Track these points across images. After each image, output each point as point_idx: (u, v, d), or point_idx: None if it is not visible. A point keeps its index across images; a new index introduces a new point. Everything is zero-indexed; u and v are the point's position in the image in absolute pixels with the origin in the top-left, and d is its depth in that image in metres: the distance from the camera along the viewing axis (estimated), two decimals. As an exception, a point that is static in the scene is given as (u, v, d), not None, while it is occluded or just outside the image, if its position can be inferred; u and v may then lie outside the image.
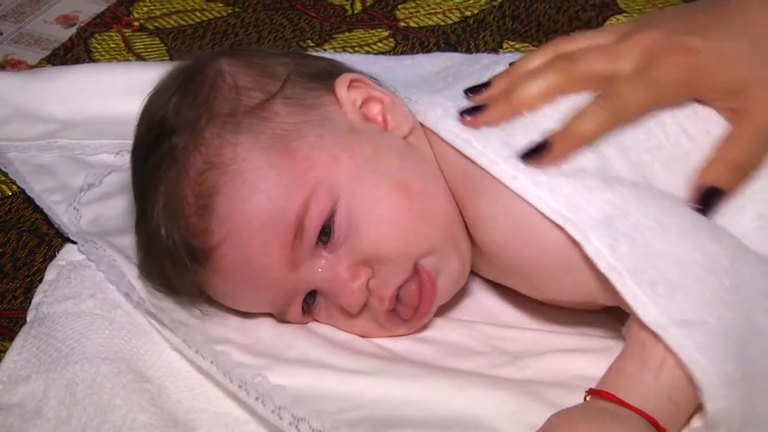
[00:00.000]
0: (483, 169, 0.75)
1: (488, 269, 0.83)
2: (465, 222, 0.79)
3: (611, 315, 0.80)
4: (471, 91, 0.80)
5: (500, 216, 0.75)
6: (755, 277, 0.71)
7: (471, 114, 0.78)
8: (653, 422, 0.68)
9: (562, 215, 0.72)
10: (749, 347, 0.68)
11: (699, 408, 0.69)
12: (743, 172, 0.75)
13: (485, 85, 0.80)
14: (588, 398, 0.71)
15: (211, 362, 0.76)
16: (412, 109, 0.82)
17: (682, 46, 0.75)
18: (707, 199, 0.74)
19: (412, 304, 0.79)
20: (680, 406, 0.69)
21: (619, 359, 0.72)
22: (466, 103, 0.79)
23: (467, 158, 0.76)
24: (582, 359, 0.76)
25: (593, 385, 0.71)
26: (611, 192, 0.72)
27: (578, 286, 0.74)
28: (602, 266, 0.70)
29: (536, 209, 0.72)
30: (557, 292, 0.77)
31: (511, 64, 0.82)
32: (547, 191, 0.73)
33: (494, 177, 0.74)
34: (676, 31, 0.76)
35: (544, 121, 0.76)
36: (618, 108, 0.75)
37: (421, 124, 0.82)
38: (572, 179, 0.73)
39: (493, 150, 0.75)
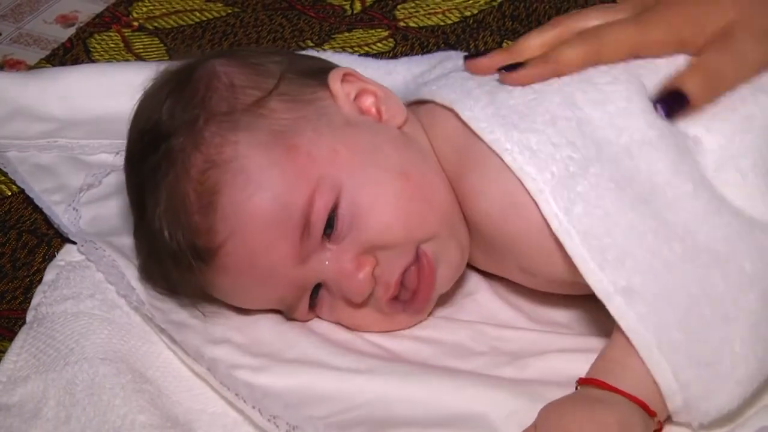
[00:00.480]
0: (475, 134, 0.76)
1: (479, 254, 0.83)
2: (459, 201, 0.80)
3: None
4: (468, 57, 0.82)
5: (490, 186, 0.76)
6: (716, 241, 0.71)
7: (509, 69, 0.78)
8: (643, 405, 0.68)
9: (524, 170, 0.73)
10: (701, 308, 0.69)
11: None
12: (716, 86, 0.75)
13: (483, 53, 0.82)
14: (578, 388, 0.71)
15: (208, 369, 0.77)
16: (413, 95, 0.84)
17: None
18: (672, 102, 0.75)
19: (411, 287, 0.79)
20: None
21: (606, 347, 0.72)
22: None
23: (464, 129, 0.77)
24: (582, 359, 0.76)
25: (593, 385, 0.71)
26: (574, 149, 0.73)
27: (552, 266, 0.75)
28: (555, 226, 0.71)
29: (523, 185, 0.73)
30: (540, 268, 0.77)
31: None
32: (516, 144, 0.74)
33: (485, 143, 0.75)
34: None
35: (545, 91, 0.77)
36: (601, 43, 0.76)
37: (417, 106, 0.83)
38: (540, 133, 0.74)
39: (484, 113, 0.76)
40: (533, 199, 0.73)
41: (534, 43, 0.80)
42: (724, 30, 0.76)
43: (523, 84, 0.78)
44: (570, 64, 0.77)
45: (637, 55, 0.77)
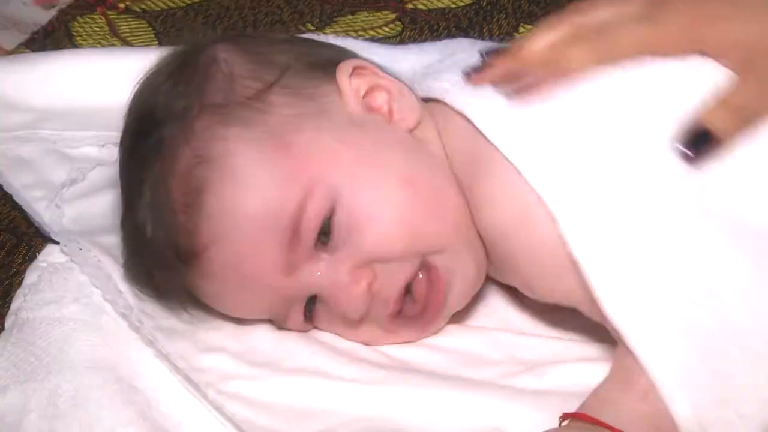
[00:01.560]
0: (493, 146, 0.75)
1: (488, 265, 0.82)
2: (470, 211, 0.79)
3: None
4: (466, 73, 0.79)
5: (504, 199, 0.75)
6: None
7: (475, 71, 0.77)
8: None
9: (560, 208, 0.72)
10: (725, 348, 0.68)
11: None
12: (745, 120, 0.73)
13: (482, 67, 0.79)
14: (566, 423, 0.70)
15: (197, 390, 0.77)
16: (425, 88, 0.83)
17: None
18: (699, 143, 0.72)
19: (421, 298, 0.79)
20: None
21: (603, 382, 0.72)
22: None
23: (478, 136, 0.76)
24: (602, 369, 0.76)
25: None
26: (612, 197, 0.72)
27: (564, 290, 0.74)
28: (590, 277, 0.70)
29: (540, 198, 0.72)
30: (546, 290, 0.77)
31: None
32: (553, 182, 0.72)
33: (504, 157, 0.74)
34: None
35: (566, 99, 0.76)
36: (609, 43, 0.75)
37: (431, 103, 0.82)
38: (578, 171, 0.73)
39: (507, 128, 0.75)
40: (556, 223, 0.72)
41: (539, 46, 0.77)
42: (747, 44, 0.74)
43: (491, 81, 0.77)
44: (534, 56, 0.76)
45: (650, 54, 0.75)
